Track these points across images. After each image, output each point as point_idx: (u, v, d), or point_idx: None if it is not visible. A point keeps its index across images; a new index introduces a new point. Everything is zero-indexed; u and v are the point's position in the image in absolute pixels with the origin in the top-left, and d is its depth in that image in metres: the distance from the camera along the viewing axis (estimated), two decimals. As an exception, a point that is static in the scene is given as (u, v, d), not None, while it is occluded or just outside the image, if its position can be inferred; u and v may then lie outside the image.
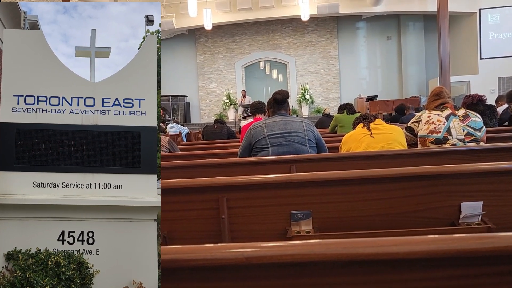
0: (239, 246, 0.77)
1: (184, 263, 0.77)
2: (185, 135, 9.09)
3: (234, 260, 0.76)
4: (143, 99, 1.79)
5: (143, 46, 1.84)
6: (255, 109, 4.42)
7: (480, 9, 13.68)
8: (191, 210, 1.73)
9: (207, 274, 0.79)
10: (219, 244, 0.79)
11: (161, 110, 14.02)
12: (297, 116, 14.50)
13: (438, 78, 11.24)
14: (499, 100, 6.51)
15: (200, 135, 7.75)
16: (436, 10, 11.03)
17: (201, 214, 1.72)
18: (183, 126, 10.08)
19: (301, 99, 16.19)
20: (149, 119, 1.78)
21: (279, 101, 2.97)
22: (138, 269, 1.69)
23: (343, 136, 3.23)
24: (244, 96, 14.26)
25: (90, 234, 1.67)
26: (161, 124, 8.23)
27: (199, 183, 1.73)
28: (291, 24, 16.33)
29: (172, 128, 9.12)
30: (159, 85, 1.81)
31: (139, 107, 1.78)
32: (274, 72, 16.74)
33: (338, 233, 1.58)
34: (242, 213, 1.71)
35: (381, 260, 0.75)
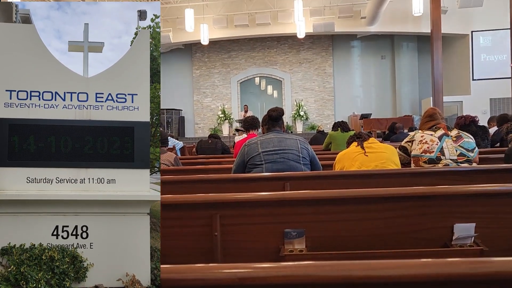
0: (232, 267, 0.76)
1: (176, 283, 0.76)
2: (179, 149, 9.07)
3: (226, 281, 0.75)
4: (136, 94, 1.80)
5: (136, 41, 1.85)
6: (249, 125, 4.44)
7: (472, 32, 13.98)
8: (183, 226, 1.72)
9: (199, 294, 0.78)
10: (211, 264, 0.79)
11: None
12: (291, 132, 14.64)
13: (431, 97, 11.38)
14: (490, 121, 6.58)
15: (194, 149, 7.73)
16: (429, 31, 11.23)
17: (194, 231, 1.71)
18: (177, 140, 10.06)
19: (296, 116, 16.28)
20: (142, 114, 1.79)
21: (274, 118, 2.99)
22: (131, 262, 1.69)
23: (337, 153, 3.25)
24: (246, 111, 14.33)
25: (84, 229, 1.68)
26: (172, 139, 8.09)
27: (192, 200, 1.72)
28: (287, 41, 16.52)
29: (166, 142, 9.08)
30: (158, 81, 1.83)
31: (132, 102, 1.79)
32: (269, 88, 16.86)
33: (331, 252, 1.58)
34: (235, 231, 1.70)
35: (374, 283, 0.75)
